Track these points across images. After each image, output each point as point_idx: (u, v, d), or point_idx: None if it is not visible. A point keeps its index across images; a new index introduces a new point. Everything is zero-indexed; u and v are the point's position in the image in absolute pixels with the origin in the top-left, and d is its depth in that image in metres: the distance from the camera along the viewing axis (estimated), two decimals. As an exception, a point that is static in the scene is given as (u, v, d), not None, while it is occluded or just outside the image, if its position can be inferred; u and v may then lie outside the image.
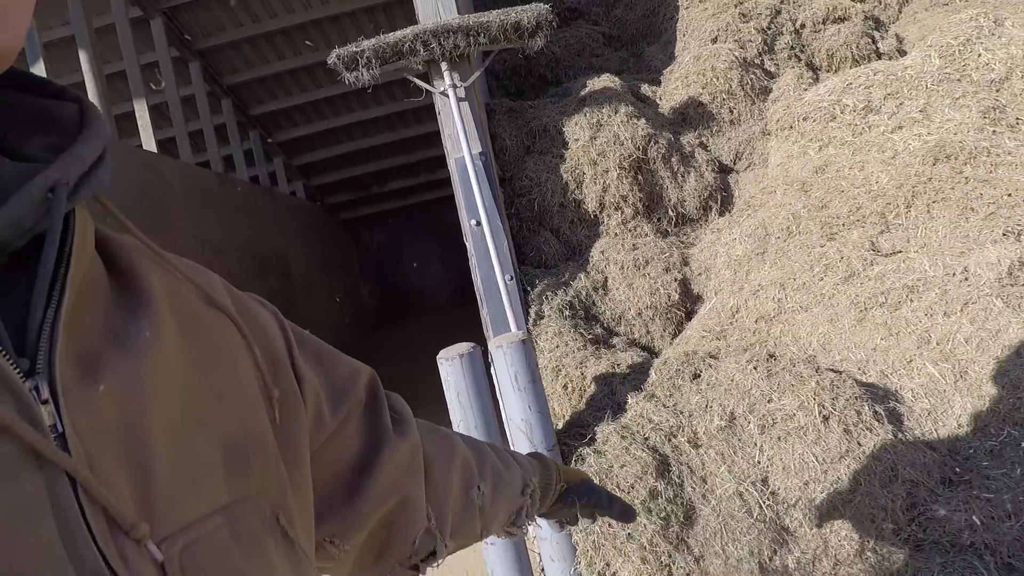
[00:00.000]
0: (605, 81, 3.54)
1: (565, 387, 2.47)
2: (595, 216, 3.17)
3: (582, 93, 3.49)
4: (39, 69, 4.99)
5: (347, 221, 11.17)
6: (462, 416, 1.90)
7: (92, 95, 5.41)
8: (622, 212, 3.15)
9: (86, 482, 0.29)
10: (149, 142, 6.02)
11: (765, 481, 1.98)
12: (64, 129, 0.37)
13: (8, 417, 0.27)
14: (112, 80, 6.01)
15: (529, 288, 2.80)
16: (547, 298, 2.78)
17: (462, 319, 5.77)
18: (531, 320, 2.70)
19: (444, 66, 2.77)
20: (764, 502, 1.92)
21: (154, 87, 6.49)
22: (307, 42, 7.50)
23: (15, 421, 0.27)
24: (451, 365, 1.85)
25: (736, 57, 3.66)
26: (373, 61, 2.66)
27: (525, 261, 3.08)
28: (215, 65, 7.58)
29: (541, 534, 1.92)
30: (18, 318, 0.31)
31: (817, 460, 1.95)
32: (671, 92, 3.70)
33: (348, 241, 11.20)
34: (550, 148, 3.30)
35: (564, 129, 3.29)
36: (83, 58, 5.43)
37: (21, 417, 0.28)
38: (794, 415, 2.04)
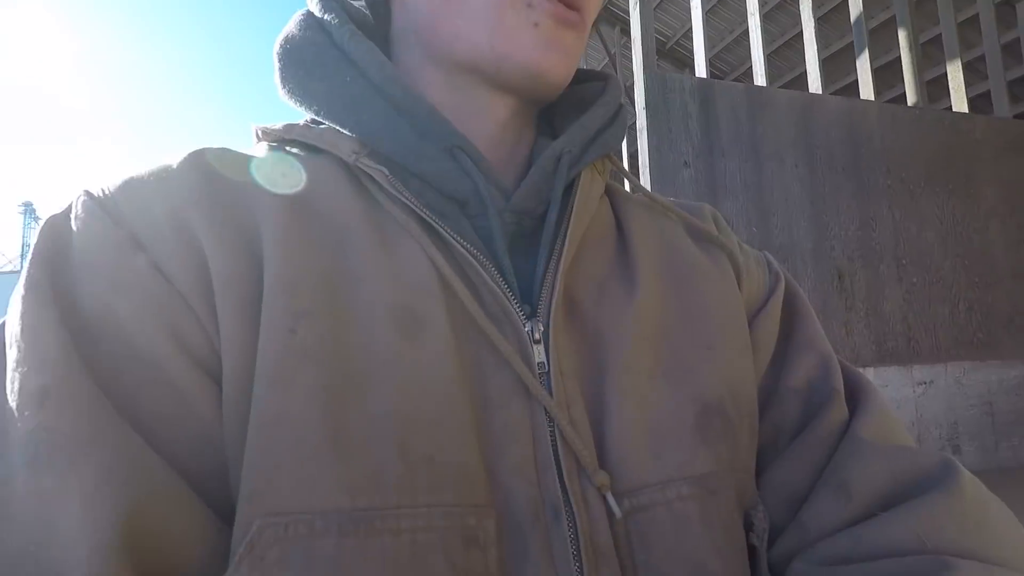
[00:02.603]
0: None
1: None
2: None
3: None
4: (863, 58, 5.70)
5: None
6: None
7: (906, 66, 5.74)
8: None
9: (561, 421, 0.32)
10: (960, 103, 5.84)
11: None
12: (587, 106, 0.43)
13: (510, 353, 0.32)
14: (926, 47, 6.09)
15: None
16: None
17: None
18: None
19: None
20: None
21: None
22: None
23: (513, 356, 0.32)
24: None
25: None
26: None
27: None
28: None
29: None
30: (531, 270, 0.36)
31: None
32: None
33: None
34: None
35: None
36: (901, 35, 5.80)
37: (518, 353, 0.33)
38: None
